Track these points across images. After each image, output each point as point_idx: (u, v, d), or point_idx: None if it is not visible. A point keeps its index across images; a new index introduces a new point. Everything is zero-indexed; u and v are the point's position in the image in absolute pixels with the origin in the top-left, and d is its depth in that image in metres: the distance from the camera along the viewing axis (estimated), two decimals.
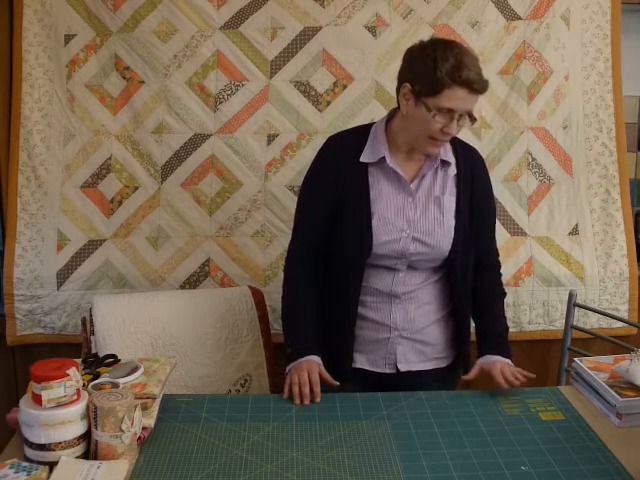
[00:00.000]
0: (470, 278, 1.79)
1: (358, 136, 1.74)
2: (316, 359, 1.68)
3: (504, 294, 1.85)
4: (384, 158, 1.68)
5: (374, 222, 1.68)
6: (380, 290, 1.73)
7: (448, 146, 1.71)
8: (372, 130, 1.73)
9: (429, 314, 1.76)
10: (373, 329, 1.75)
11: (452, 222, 1.70)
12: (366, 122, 1.82)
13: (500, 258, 1.88)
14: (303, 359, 1.67)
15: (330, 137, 1.81)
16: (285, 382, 1.65)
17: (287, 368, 1.69)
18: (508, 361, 1.71)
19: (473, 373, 1.70)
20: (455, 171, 1.72)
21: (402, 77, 1.65)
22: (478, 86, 1.56)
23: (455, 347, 1.81)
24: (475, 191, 1.74)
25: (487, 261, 1.82)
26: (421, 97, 1.58)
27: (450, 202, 1.71)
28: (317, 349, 1.70)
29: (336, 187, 1.71)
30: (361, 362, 1.78)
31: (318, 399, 1.60)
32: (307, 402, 1.58)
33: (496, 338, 1.76)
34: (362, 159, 1.70)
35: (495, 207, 1.86)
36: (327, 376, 1.65)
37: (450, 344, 1.81)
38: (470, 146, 1.81)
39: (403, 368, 1.75)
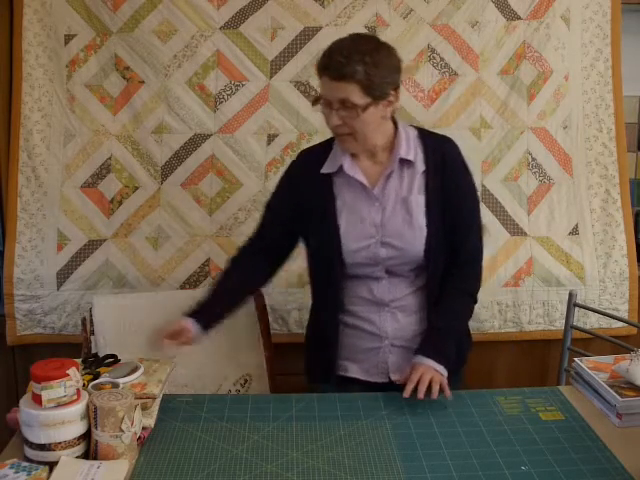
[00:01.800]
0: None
1: (325, 147, 1.74)
2: (189, 321, 1.66)
3: (469, 293, 1.75)
4: (342, 167, 1.67)
5: (342, 232, 1.67)
6: (367, 299, 1.71)
7: (412, 142, 1.68)
8: (336, 139, 1.71)
9: (420, 322, 1.72)
10: (364, 338, 1.73)
11: (422, 221, 1.66)
12: None
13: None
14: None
15: (301, 151, 1.84)
16: None
17: None
18: (434, 366, 1.60)
19: (405, 375, 1.62)
20: (423, 167, 1.68)
21: None
22: (333, 72, 1.54)
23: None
24: (446, 184, 1.68)
25: (462, 255, 1.72)
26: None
27: (418, 201, 1.66)
28: (202, 314, 1.68)
29: (302, 201, 1.71)
30: (354, 371, 1.76)
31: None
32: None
33: (434, 337, 1.66)
34: (323, 171, 1.70)
35: (475, 199, 1.77)
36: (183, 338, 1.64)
37: None
38: (442, 137, 1.75)
39: (395, 378, 1.72)
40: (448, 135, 1.77)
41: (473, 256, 1.76)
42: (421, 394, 1.54)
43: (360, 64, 1.53)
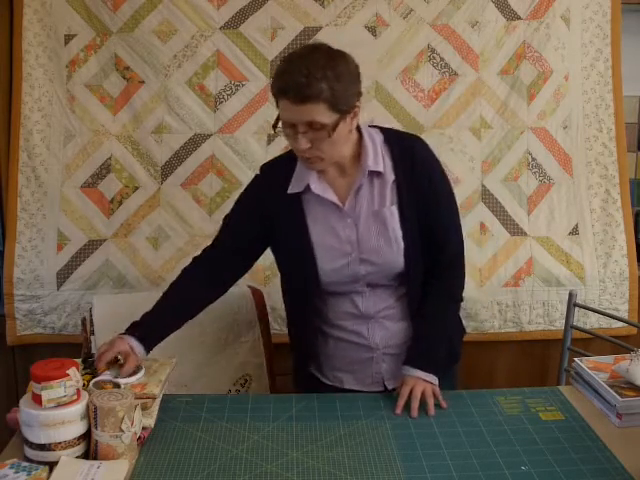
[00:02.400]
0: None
1: (288, 163, 1.64)
2: (131, 340, 1.55)
3: (454, 296, 1.70)
4: (310, 186, 1.59)
5: (317, 251, 1.60)
6: (351, 313, 1.67)
7: (378, 150, 1.59)
8: None
9: (408, 328, 1.68)
10: (355, 350, 1.70)
11: (399, 233, 1.59)
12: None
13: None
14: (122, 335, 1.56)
15: (262, 166, 1.72)
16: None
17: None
18: (423, 376, 1.58)
19: (399, 389, 1.60)
20: (393, 177, 1.59)
21: None
22: (295, 94, 1.41)
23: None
24: (419, 190, 1.60)
25: (444, 257, 1.66)
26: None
27: (392, 212, 1.59)
28: (146, 334, 1.57)
29: (268, 216, 1.64)
30: (349, 383, 1.74)
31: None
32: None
33: (420, 345, 1.63)
34: (290, 191, 1.61)
35: (450, 197, 1.68)
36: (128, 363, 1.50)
37: None
38: (409, 139, 1.66)
39: (390, 385, 1.70)
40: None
41: (455, 257, 1.69)
42: (414, 412, 1.53)
43: (322, 81, 1.41)
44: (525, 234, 2.55)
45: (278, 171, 1.66)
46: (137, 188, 2.50)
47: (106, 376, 1.47)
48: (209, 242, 2.47)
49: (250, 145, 2.49)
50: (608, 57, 2.52)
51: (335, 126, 1.47)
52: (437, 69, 2.48)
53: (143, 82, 2.47)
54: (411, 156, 1.61)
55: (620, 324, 2.50)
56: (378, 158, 1.59)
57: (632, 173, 2.70)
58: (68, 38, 2.45)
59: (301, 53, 1.49)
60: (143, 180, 2.50)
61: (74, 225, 2.49)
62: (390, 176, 1.60)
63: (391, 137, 1.63)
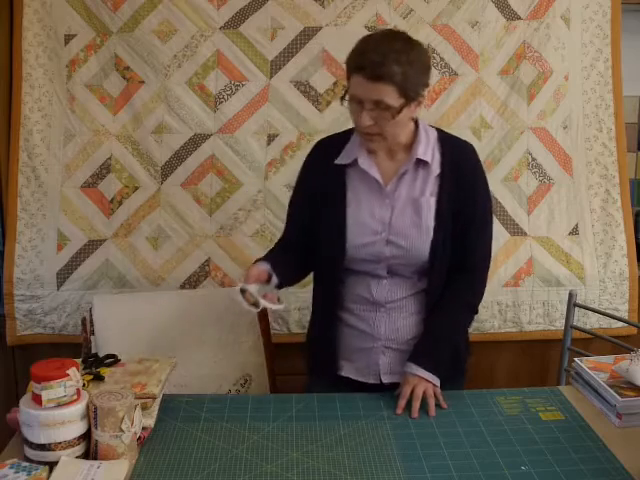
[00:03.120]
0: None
1: (343, 138, 1.71)
2: (264, 265, 1.65)
3: (472, 305, 1.72)
4: (357, 160, 1.65)
5: (349, 224, 1.65)
6: (364, 297, 1.69)
7: (430, 143, 1.65)
8: (355, 132, 1.69)
9: (416, 325, 1.69)
10: (358, 337, 1.72)
11: (431, 224, 1.63)
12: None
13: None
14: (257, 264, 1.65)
15: (318, 141, 1.80)
16: None
17: None
18: (425, 376, 1.59)
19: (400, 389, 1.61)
20: (438, 170, 1.65)
21: None
22: (370, 72, 1.48)
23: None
24: (460, 190, 1.65)
25: (469, 262, 1.69)
26: (348, 85, 1.58)
27: (429, 203, 1.64)
28: (275, 263, 1.66)
29: (315, 189, 1.70)
30: (348, 370, 1.75)
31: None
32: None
33: (427, 344, 1.65)
34: (337, 161, 1.68)
35: (488, 207, 1.74)
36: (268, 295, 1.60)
37: None
38: (462, 142, 1.73)
39: (386, 380, 1.71)
40: None
41: (480, 265, 1.72)
42: (415, 413, 1.54)
43: (397, 64, 1.48)
44: (525, 234, 2.55)
45: (330, 145, 1.73)
46: (137, 188, 2.50)
47: (252, 288, 1.52)
48: (209, 242, 2.51)
49: (250, 145, 2.49)
50: (608, 57, 2.53)
51: (400, 110, 1.53)
52: (437, 69, 2.48)
53: (143, 82, 2.47)
54: (460, 158, 1.68)
55: (620, 324, 2.50)
56: (428, 150, 1.65)
57: (632, 173, 2.70)
58: (68, 38, 2.45)
59: (382, 35, 1.57)
60: (143, 180, 2.50)
61: (74, 225, 2.49)
62: (436, 169, 1.65)
63: (444, 135, 1.70)
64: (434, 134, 1.68)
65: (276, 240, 1.87)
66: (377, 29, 2.44)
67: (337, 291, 1.71)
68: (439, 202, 1.64)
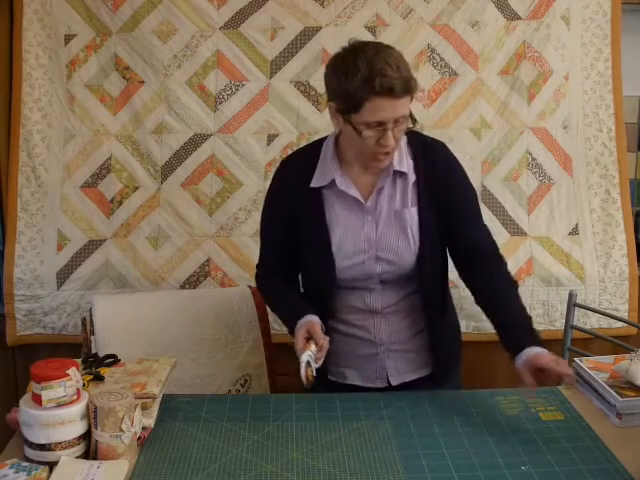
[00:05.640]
0: (441, 286, 1.71)
1: (311, 156, 1.64)
2: (313, 317, 1.58)
3: (515, 284, 1.65)
4: (334, 181, 1.59)
5: (334, 249, 1.60)
6: (358, 307, 1.68)
7: (404, 151, 1.60)
8: (324, 147, 1.64)
9: (413, 324, 1.69)
10: (360, 345, 1.70)
11: (417, 234, 1.60)
12: None
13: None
14: (302, 321, 1.57)
15: (284, 158, 1.74)
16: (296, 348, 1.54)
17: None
18: (545, 351, 1.48)
19: (528, 379, 1.45)
20: (414, 177, 1.60)
21: (327, 94, 1.55)
22: (400, 90, 1.42)
23: (446, 351, 1.74)
24: (440, 192, 1.61)
25: (478, 254, 1.65)
26: (345, 115, 1.48)
27: (412, 214, 1.60)
28: (311, 309, 1.60)
29: (291, 213, 1.64)
30: (353, 378, 1.73)
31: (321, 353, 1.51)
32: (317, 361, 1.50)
33: (524, 328, 1.54)
34: (313, 184, 1.61)
35: (472, 196, 1.70)
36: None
37: (440, 349, 1.72)
38: (431, 142, 1.66)
39: (395, 382, 1.70)
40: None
41: (494, 248, 1.68)
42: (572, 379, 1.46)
43: (408, 71, 1.45)
44: (525, 234, 2.55)
45: (300, 165, 1.66)
46: (137, 188, 2.50)
47: (308, 357, 1.47)
48: (209, 242, 2.52)
49: (250, 145, 2.49)
50: (608, 57, 2.53)
51: (411, 114, 1.49)
52: (437, 69, 2.49)
53: (143, 82, 2.47)
54: (432, 158, 1.62)
55: (620, 324, 2.50)
56: (402, 158, 1.60)
57: (632, 173, 2.70)
58: (68, 38, 2.45)
59: (374, 51, 1.45)
60: (143, 180, 2.50)
61: (74, 225, 2.49)
62: (411, 177, 1.61)
63: (414, 139, 1.63)
64: (403, 139, 1.61)
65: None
66: (374, 29, 2.45)
67: (329, 304, 1.68)
68: (420, 211, 1.60)
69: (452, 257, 1.71)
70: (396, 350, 1.70)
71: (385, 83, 1.41)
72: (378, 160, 1.54)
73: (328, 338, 1.54)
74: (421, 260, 1.61)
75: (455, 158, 1.68)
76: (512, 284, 1.65)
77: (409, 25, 2.47)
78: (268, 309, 2.22)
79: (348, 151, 1.60)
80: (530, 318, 1.58)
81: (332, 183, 1.60)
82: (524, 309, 1.60)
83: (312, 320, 1.57)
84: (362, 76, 1.42)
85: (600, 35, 2.52)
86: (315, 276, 1.68)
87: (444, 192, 1.62)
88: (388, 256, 1.61)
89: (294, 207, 1.64)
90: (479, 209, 1.72)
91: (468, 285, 1.69)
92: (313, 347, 1.50)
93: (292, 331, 1.59)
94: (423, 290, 1.66)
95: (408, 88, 1.44)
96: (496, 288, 1.63)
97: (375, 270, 1.62)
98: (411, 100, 1.48)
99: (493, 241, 1.71)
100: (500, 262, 1.68)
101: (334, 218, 1.62)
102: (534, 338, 1.51)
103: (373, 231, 1.61)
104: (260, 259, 1.79)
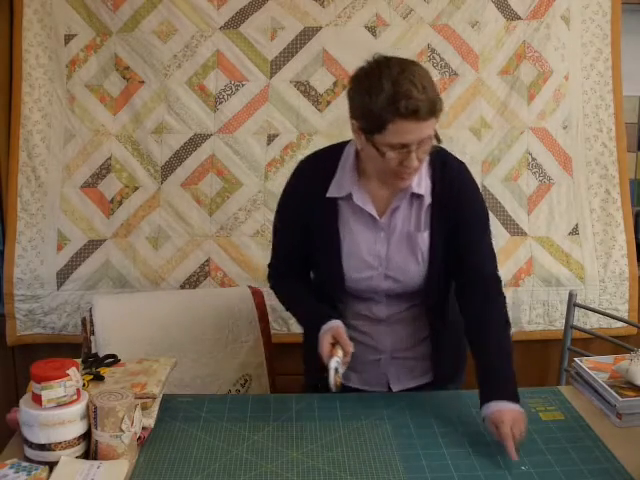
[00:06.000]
0: (446, 297, 1.68)
1: (330, 162, 1.60)
2: (338, 323, 1.55)
3: (508, 325, 1.60)
4: (351, 194, 1.56)
5: (344, 259, 1.59)
6: (366, 315, 1.68)
7: (423, 172, 1.55)
8: (344, 155, 1.59)
9: (417, 331, 1.68)
10: (364, 351, 1.68)
11: (426, 258, 1.58)
12: None
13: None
14: (326, 326, 1.54)
15: (302, 161, 1.68)
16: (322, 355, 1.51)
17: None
18: (517, 408, 1.43)
19: (493, 433, 1.41)
20: (429, 200, 1.57)
21: (350, 111, 1.48)
22: (426, 112, 1.37)
23: (448, 360, 1.73)
24: (452, 217, 1.57)
25: (477, 281, 1.60)
26: (368, 134, 1.43)
27: (424, 237, 1.58)
28: (334, 313, 1.58)
29: (305, 220, 1.61)
30: (354, 381, 1.73)
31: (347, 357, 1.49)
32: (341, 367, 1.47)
33: (499, 379, 1.50)
34: (329, 194, 1.57)
35: (481, 223, 1.65)
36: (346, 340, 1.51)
37: (443, 358, 1.71)
38: (451, 163, 1.61)
39: (395, 388, 1.71)
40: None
41: (495, 284, 1.63)
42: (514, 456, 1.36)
43: (434, 91, 1.39)
44: (525, 234, 2.55)
45: (318, 170, 1.61)
46: (137, 188, 2.50)
47: (336, 363, 1.46)
48: (209, 242, 2.51)
49: (250, 145, 2.49)
50: (608, 57, 2.53)
51: (436, 133, 1.44)
52: (437, 69, 2.48)
53: (143, 82, 2.47)
54: (450, 183, 1.58)
55: (620, 324, 2.50)
56: (421, 180, 1.56)
57: (632, 173, 2.70)
58: (68, 38, 2.45)
59: (400, 68, 1.40)
60: (143, 180, 2.50)
61: (74, 225, 2.49)
62: (427, 199, 1.57)
63: (435, 159, 1.56)
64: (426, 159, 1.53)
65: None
66: (374, 29, 2.45)
67: (337, 308, 1.67)
68: (432, 235, 1.58)
69: (452, 276, 1.66)
70: (399, 358, 1.70)
71: (410, 105, 1.36)
72: (401, 179, 1.50)
73: (353, 344, 1.52)
74: (428, 281, 1.61)
75: (473, 182, 1.65)
76: (504, 324, 1.59)
77: (409, 25, 2.47)
78: (269, 308, 2.24)
79: (369, 166, 1.55)
80: (511, 364, 1.52)
81: (349, 196, 1.58)
82: (508, 355, 1.54)
83: (337, 325, 1.54)
84: (387, 96, 1.37)
85: (600, 35, 2.52)
86: (324, 283, 1.68)
87: (455, 217, 1.58)
88: (396, 275, 1.60)
89: (309, 215, 1.62)
90: (487, 235, 1.66)
91: (460, 309, 1.64)
92: (340, 353, 1.49)
93: (309, 330, 1.59)
94: (427, 302, 1.66)
95: (434, 110, 1.39)
96: (487, 328, 1.56)
97: (381, 286, 1.62)
98: (437, 121, 1.42)
99: (495, 272, 1.65)
100: (497, 294, 1.62)
101: (347, 231, 1.60)
102: (506, 390, 1.46)
103: (384, 248, 1.59)
104: (272, 260, 1.77)
